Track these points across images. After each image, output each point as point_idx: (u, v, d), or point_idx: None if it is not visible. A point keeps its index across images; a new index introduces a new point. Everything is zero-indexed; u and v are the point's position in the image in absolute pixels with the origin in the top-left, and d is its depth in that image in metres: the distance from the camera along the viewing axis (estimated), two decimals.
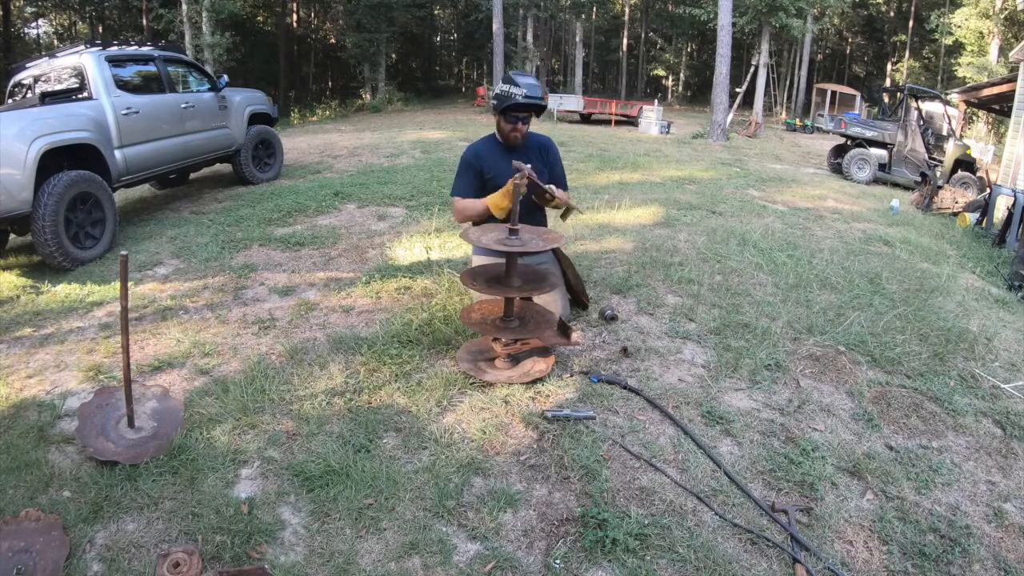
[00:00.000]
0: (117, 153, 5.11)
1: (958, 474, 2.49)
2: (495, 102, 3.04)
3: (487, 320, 2.90)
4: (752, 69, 22.05)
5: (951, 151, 10.32)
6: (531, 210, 3.10)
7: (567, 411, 2.59)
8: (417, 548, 2.00)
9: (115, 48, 5.61)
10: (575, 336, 2.89)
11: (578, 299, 3.45)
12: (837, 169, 11.63)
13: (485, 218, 3.01)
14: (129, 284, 2.77)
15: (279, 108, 8.60)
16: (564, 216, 3.17)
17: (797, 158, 13.97)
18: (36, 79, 5.57)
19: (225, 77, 6.80)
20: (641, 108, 19.27)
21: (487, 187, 3.08)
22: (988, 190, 7.96)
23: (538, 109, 3.05)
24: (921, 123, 11.32)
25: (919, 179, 10.18)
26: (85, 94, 5.08)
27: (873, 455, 2.52)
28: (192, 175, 7.26)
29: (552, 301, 3.13)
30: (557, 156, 3.28)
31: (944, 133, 11.98)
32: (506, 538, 2.06)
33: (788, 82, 29.76)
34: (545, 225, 3.29)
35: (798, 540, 2.08)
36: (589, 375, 2.87)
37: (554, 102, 21.16)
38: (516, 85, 2.95)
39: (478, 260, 3.22)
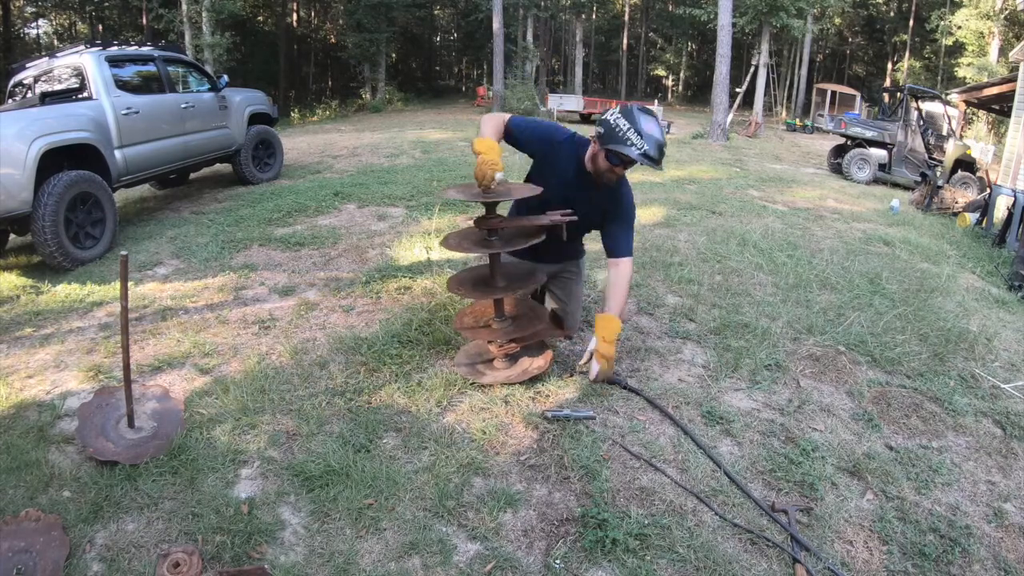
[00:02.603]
0: (117, 153, 5.11)
1: (958, 474, 2.49)
2: (602, 131, 2.52)
3: (479, 323, 2.90)
4: (752, 69, 22.04)
5: (951, 151, 10.32)
6: (570, 238, 2.77)
7: (567, 411, 2.59)
8: (417, 548, 2.00)
9: (115, 48, 5.61)
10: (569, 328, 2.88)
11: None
12: (837, 169, 11.63)
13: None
14: (129, 284, 2.77)
15: (279, 108, 8.60)
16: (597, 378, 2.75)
17: (797, 158, 13.97)
18: (36, 79, 5.58)
19: (225, 77, 6.80)
20: None
21: (540, 180, 2.74)
22: (988, 190, 7.96)
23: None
24: (921, 123, 11.32)
25: (919, 179, 10.18)
26: (85, 94, 5.09)
27: (873, 455, 2.52)
28: (192, 175, 7.26)
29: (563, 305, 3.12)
30: (625, 210, 2.75)
31: (944, 133, 11.99)
32: (506, 538, 2.06)
33: (788, 82, 29.76)
34: (579, 252, 3.10)
35: (798, 540, 2.08)
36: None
37: (554, 102, 21.20)
38: (639, 134, 2.43)
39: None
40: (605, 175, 2.60)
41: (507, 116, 2.71)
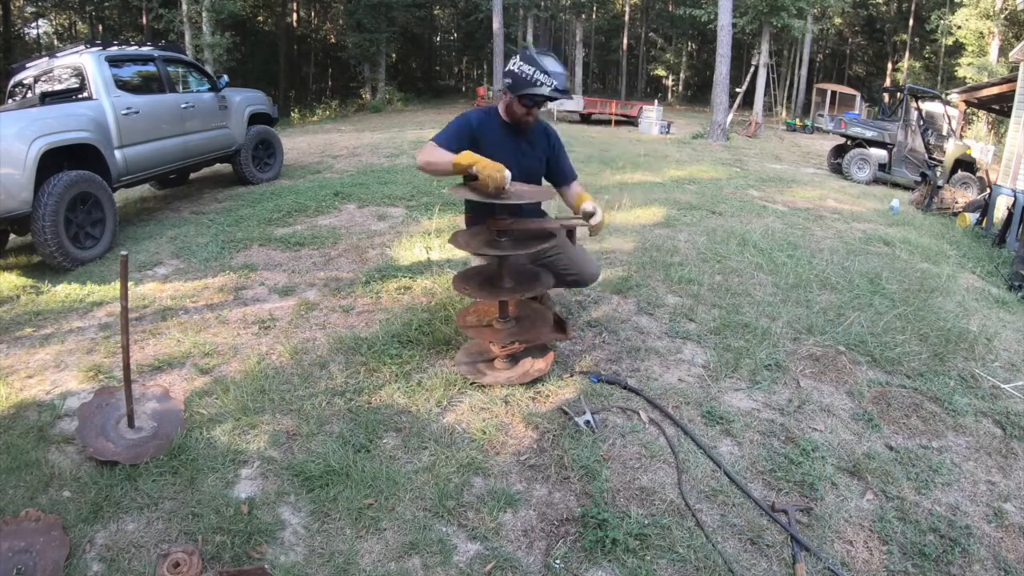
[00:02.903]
0: (117, 153, 5.11)
1: (958, 474, 2.49)
2: (509, 81, 2.68)
3: (482, 322, 2.90)
4: (752, 69, 22.04)
5: (951, 151, 10.32)
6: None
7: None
8: (417, 548, 2.00)
9: (115, 48, 5.61)
10: (571, 331, 2.88)
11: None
12: (837, 169, 11.64)
13: (445, 175, 2.72)
14: (129, 284, 2.77)
15: (279, 108, 8.60)
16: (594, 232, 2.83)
17: (797, 158, 13.97)
18: (36, 79, 5.58)
19: (225, 77, 6.80)
20: (641, 108, 19.28)
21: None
22: (988, 190, 7.96)
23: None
24: (921, 123, 11.32)
25: (919, 179, 10.19)
26: (85, 94, 5.09)
27: (873, 455, 2.52)
28: (192, 175, 7.27)
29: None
30: (560, 144, 2.97)
31: (944, 133, 11.99)
32: (506, 538, 2.06)
33: (788, 82, 29.76)
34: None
35: (798, 540, 2.08)
36: (589, 375, 2.87)
37: (554, 102, 21.17)
38: (546, 73, 2.61)
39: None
40: (523, 120, 2.76)
41: (429, 142, 2.75)
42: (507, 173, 2.47)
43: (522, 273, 2.89)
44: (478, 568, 1.95)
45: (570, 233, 2.73)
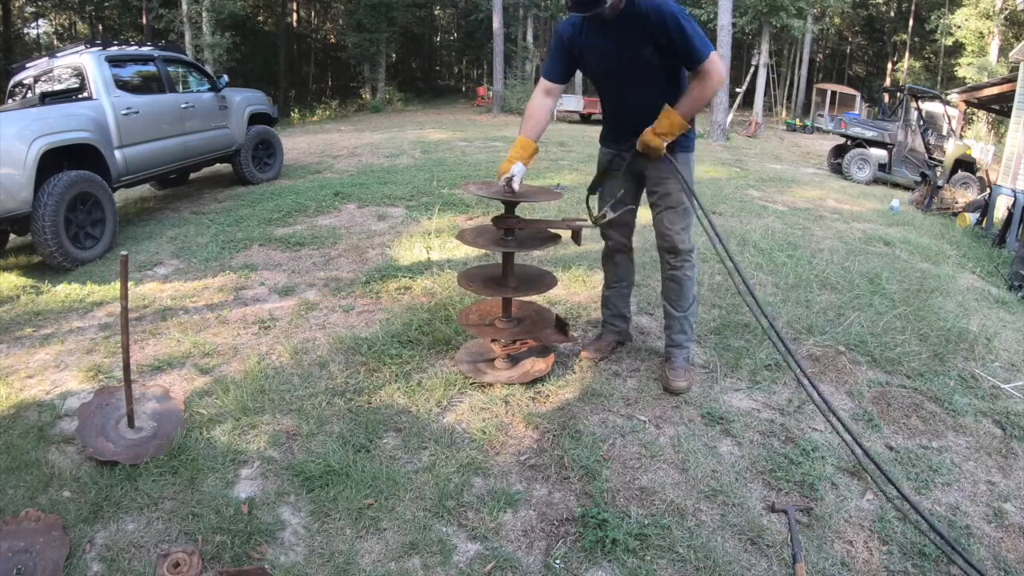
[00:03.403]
0: (117, 153, 5.11)
1: (958, 474, 2.48)
2: None
3: (484, 321, 2.91)
4: (752, 69, 22.05)
5: (951, 151, 10.33)
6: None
7: None
8: (417, 548, 2.00)
9: (115, 48, 5.62)
10: (574, 334, 2.88)
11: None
12: (837, 169, 11.64)
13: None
14: (129, 284, 2.77)
15: (279, 108, 8.61)
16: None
17: (797, 158, 13.97)
18: (36, 79, 5.58)
19: (225, 77, 6.81)
20: None
21: (583, 69, 2.64)
22: (988, 190, 7.97)
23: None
24: (921, 123, 11.32)
25: (919, 179, 10.19)
26: (85, 94, 5.09)
27: (873, 455, 2.52)
28: (192, 175, 7.27)
29: None
30: (678, 31, 2.30)
31: (944, 133, 12.00)
32: (506, 538, 2.06)
33: (788, 82, 29.75)
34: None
35: (798, 540, 2.08)
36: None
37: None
38: None
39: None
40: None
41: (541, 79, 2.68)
42: (515, 167, 2.49)
43: (527, 273, 2.90)
44: (478, 568, 1.95)
45: (575, 234, 2.73)
